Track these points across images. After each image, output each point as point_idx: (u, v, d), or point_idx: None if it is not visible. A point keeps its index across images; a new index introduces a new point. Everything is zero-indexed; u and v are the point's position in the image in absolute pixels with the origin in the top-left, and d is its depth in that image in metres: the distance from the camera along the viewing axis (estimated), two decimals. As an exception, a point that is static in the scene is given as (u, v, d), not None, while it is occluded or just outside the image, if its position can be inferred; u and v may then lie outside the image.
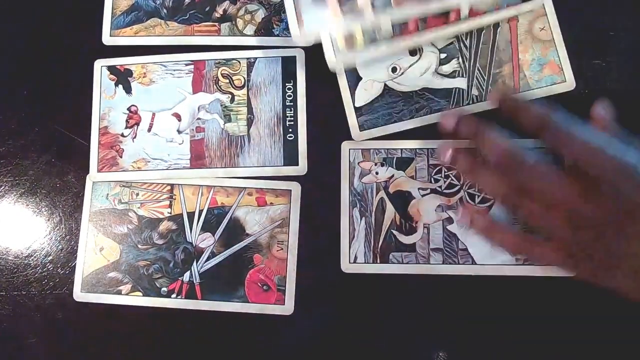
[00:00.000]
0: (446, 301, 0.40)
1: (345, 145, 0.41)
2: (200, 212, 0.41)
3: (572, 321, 0.39)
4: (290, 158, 0.41)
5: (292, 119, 0.42)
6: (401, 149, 0.41)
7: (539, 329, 0.39)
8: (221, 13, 0.43)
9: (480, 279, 0.39)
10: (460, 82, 0.41)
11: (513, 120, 0.37)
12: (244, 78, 0.42)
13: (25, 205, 0.43)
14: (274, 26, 0.43)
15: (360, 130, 0.41)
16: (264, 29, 0.43)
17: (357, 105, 0.41)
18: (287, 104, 0.42)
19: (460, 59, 0.41)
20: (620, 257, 0.34)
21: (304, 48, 0.42)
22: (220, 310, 0.40)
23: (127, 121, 0.43)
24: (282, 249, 0.41)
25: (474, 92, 0.41)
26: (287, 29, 0.42)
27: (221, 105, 0.42)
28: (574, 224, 0.34)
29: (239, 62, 0.42)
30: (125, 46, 0.43)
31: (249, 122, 0.42)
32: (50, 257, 0.42)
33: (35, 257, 0.42)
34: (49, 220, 0.42)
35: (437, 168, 0.40)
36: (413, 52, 0.41)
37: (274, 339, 0.40)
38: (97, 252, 0.41)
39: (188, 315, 0.40)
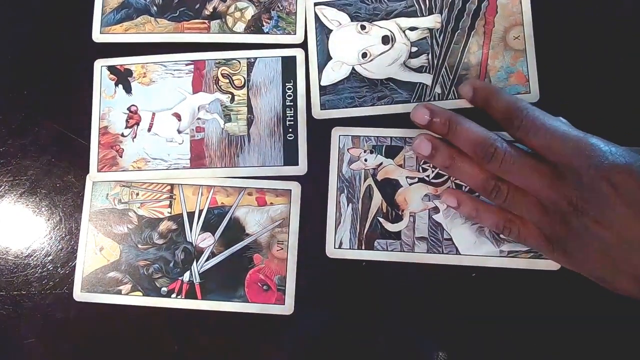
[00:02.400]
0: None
1: (335, 132, 0.41)
2: (200, 212, 0.41)
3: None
4: (290, 158, 0.41)
5: (292, 119, 0.42)
6: (391, 137, 0.41)
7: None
8: (211, 10, 0.43)
9: (468, 271, 0.40)
10: (426, 78, 0.41)
11: (484, 108, 0.38)
12: (244, 78, 0.42)
13: (25, 205, 0.43)
14: (264, 24, 0.43)
15: (321, 109, 0.41)
16: (253, 27, 0.43)
17: (322, 84, 0.42)
18: (287, 104, 0.42)
19: (430, 55, 0.41)
20: (587, 242, 0.34)
21: (304, 48, 0.42)
22: (220, 310, 0.40)
23: (127, 121, 0.43)
24: (282, 249, 0.41)
25: (437, 89, 0.41)
26: (276, 26, 0.42)
27: (221, 105, 0.42)
28: (544, 212, 0.35)
29: (239, 62, 0.42)
30: (115, 43, 0.43)
31: (249, 122, 0.42)
32: (50, 257, 0.42)
33: (35, 257, 0.42)
34: (49, 220, 0.42)
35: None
36: (385, 41, 0.41)
37: (274, 339, 0.40)
38: (97, 252, 0.41)
39: (188, 315, 0.40)
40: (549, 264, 0.39)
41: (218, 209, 0.41)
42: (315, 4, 0.42)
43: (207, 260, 0.41)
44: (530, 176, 0.35)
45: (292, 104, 0.42)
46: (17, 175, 0.43)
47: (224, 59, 0.43)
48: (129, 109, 0.43)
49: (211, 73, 0.42)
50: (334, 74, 0.42)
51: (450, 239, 0.40)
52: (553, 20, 0.41)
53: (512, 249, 0.39)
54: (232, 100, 0.42)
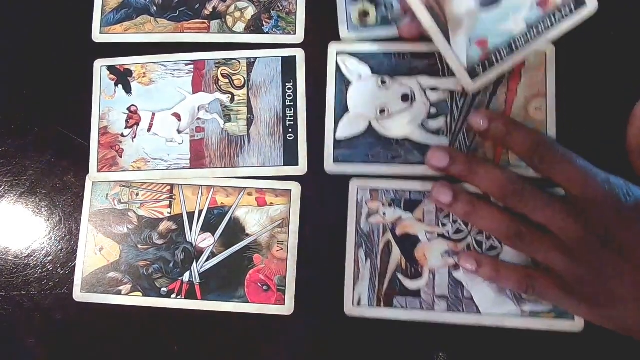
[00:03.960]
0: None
1: (353, 184, 0.40)
2: (200, 212, 0.41)
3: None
4: (290, 158, 0.41)
5: (292, 119, 0.41)
6: (410, 191, 0.40)
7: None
8: (211, 10, 0.43)
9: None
10: (442, 141, 0.40)
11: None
12: (244, 78, 0.42)
13: (25, 205, 0.43)
14: (264, 24, 0.43)
15: (334, 162, 0.40)
16: (253, 27, 0.43)
17: (337, 137, 0.40)
18: (287, 104, 0.42)
19: (449, 118, 0.40)
20: (615, 285, 0.33)
21: (304, 48, 0.42)
22: (220, 310, 0.40)
23: (127, 121, 0.43)
24: (282, 249, 0.41)
25: None
26: (276, 26, 0.42)
27: (221, 105, 0.42)
28: (569, 255, 0.34)
29: (239, 62, 0.42)
30: (115, 43, 0.43)
31: (249, 122, 0.42)
32: (50, 257, 0.42)
33: (35, 257, 0.42)
34: (48, 220, 0.42)
35: (446, 212, 0.40)
36: (405, 99, 0.40)
37: (274, 339, 0.40)
38: (96, 252, 0.41)
39: (188, 315, 0.40)
40: (572, 326, 0.37)
41: (218, 209, 0.41)
42: (338, 53, 0.41)
43: (207, 260, 0.41)
44: (556, 212, 0.34)
45: (292, 104, 0.42)
46: (17, 175, 0.43)
47: (224, 59, 0.43)
48: (128, 109, 0.43)
49: (211, 73, 0.42)
50: (350, 127, 0.40)
51: (471, 298, 0.39)
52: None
53: (533, 309, 0.38)
54: (232, 100, 0.42)
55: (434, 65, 0.40)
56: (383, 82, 0.40)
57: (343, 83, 0.41)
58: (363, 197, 0.40)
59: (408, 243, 0.40)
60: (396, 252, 0.40)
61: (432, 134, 0.40)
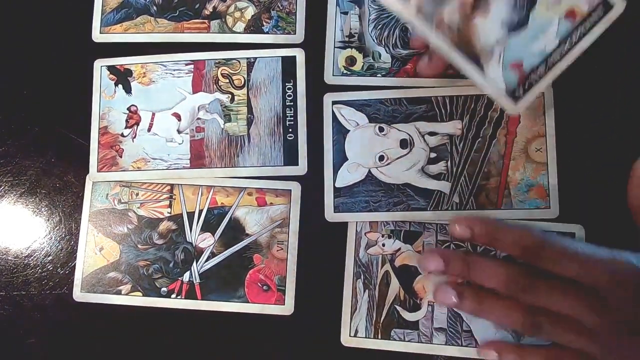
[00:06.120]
0: None
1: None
2: (200, 212, 0.41)
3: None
4: (290, 158, 0.41)
5: (292, 119, 0.41)
6: (409, 222, 0.40)
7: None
8: (211, 10, 0.43)
9: None
10: (444, 186, 0.40)
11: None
12: (244, 78, 0.42)
13: (25, 205, 0.43)
14: (264, 24, 0.43)
15: (334, 212, 0.40)
16: (253, 27, 0.43)
17: (337, 185, 0.40)
18: (287, 104, 0.42)
19: (449, 162, 0.40)
20: None
21: (304, 48, 0.42)
22: (220, 310, 0.40)
23: (127, 121, 0.43)
24: (282, 249, 0.41)
25: (455, 198, 0.40)
26: (276, 26, 0.42)
27: (221, 105, 0.42)
28: (595, 338, 0.34)
29: (239, 61, 0.42)
30: (115, 43, 0.43)
31: (249, 122, 0.42)
32: (50, 257, 0.42)
33: (35, 257, 0.42)
34: (48, 220, 0.42)
35: (446, 244, 0.39)
36: (404, 145, 0.40)
37: (274, 339, 0.40)
38: (96, 252, 0.41)
39: (188, 315, 0.40)
40: None
41: (218, 209, 0.41)
42: (334, 103, 0.41)
43: (207, 260, 0.41)
44: (572, 304, 0.34)
45: (292, 104, 0.42)
46: (17, 175, 0.43)
47: (224, 59, 0.43)
48: (128, 109, 0.43)
49: (211, 73, 0.42)
50: (349, 175, 0.40)
51: (470, 331, 0.39)
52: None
53: (532, 343, 0.37)
54: (232, 100, 0.42)
55: (431, 110, 0.40)
56: (381, 130, 0.40)
57: (340, 132, 0.41)
58: (362, 228, 0.40)
59: (407, 275, 0.39)
60: (395, 284, 0.39)
61: (433, 179, 0.40)
